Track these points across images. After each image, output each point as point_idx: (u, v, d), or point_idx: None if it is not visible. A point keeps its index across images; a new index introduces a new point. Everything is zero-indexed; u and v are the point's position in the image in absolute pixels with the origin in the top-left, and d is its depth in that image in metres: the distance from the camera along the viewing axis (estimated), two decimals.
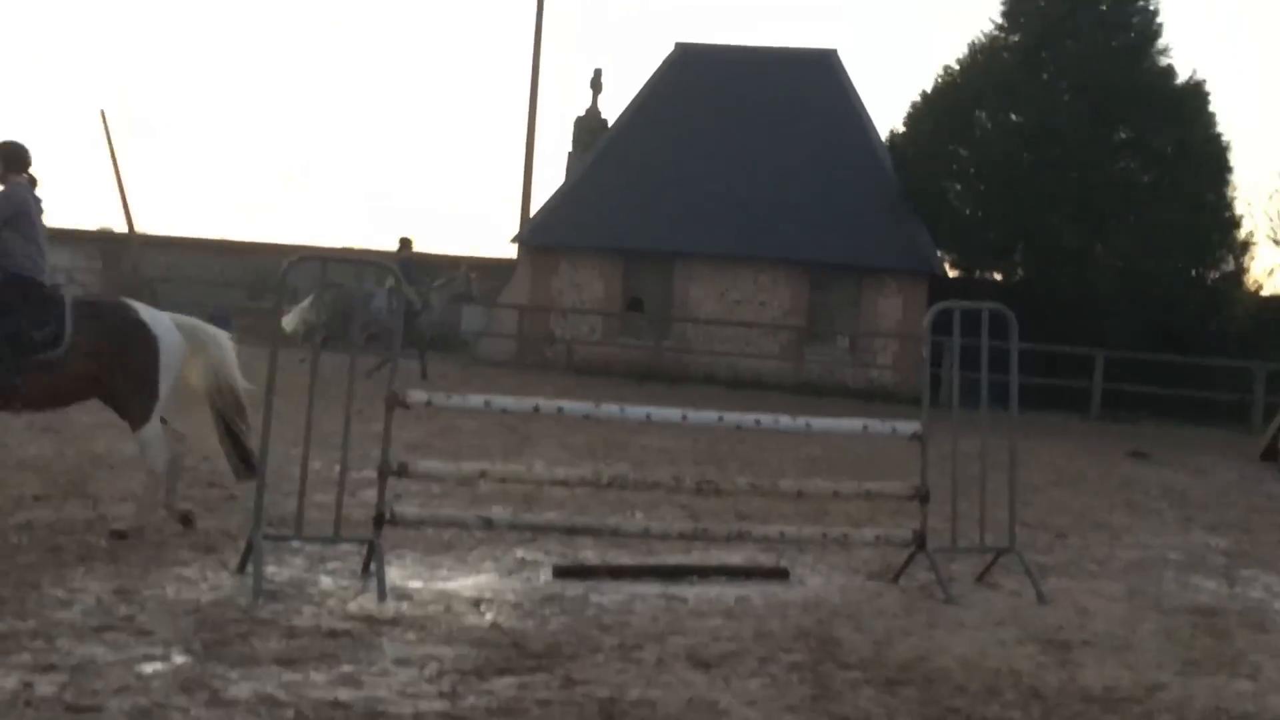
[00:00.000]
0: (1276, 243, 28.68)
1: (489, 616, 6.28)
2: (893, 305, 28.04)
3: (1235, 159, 28.82)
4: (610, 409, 7.40)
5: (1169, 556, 9.69)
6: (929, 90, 29.07)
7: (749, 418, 7.76)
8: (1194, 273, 27.76)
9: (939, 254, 29.04)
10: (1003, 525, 7.90)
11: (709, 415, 7.78)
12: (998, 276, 29.17)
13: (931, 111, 28.58)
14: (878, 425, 7.94)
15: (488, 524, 7.27)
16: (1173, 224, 26.64)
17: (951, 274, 29.33)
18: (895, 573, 7.81)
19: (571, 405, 7.44)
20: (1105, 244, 27.61)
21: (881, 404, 22.54)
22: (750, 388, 25.62)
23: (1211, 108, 28.11)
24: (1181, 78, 28.12)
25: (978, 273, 29.40)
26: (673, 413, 7.77)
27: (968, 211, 28.55)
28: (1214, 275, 28.00)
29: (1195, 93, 28.01)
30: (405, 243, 22.96)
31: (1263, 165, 48.20)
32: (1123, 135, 28.12)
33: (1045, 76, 28.08)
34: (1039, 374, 24.75)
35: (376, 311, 21.30)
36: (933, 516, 7.81)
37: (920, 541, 7.61)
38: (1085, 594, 7.88)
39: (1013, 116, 28.40)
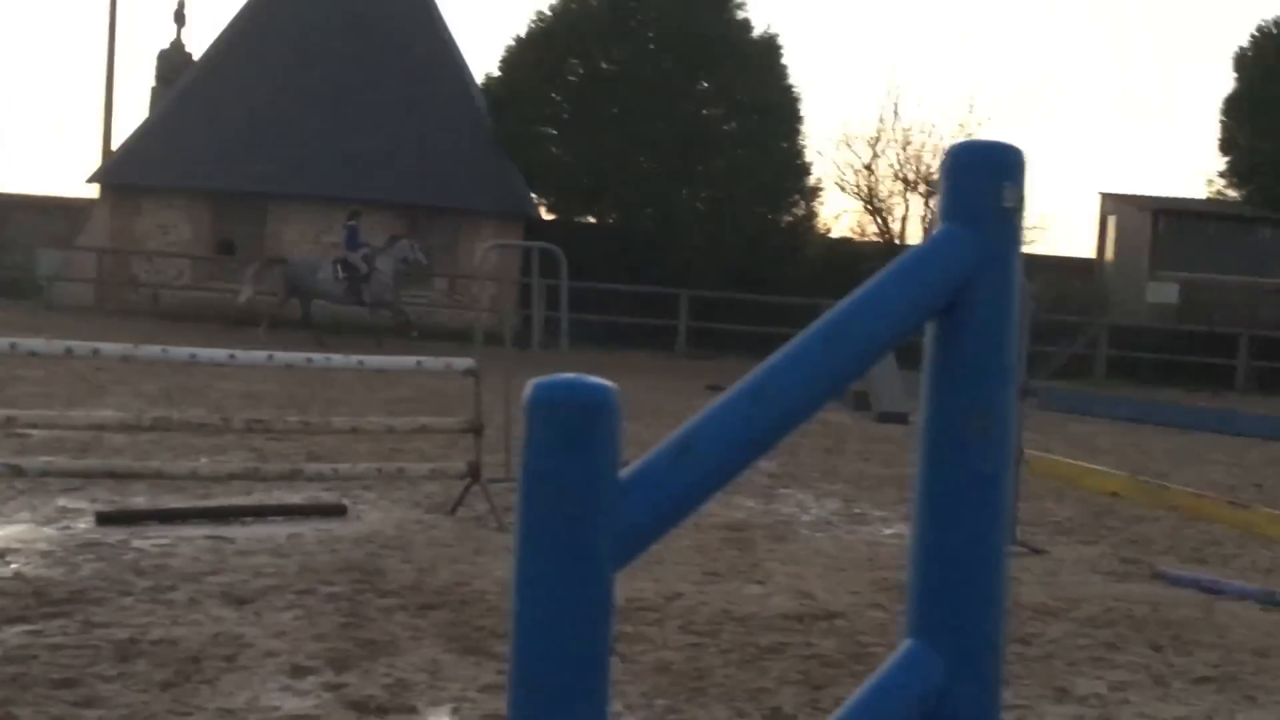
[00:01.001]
0: (842, 189, 30.88)
1: (14, 566, 6.03)
2: None
3: (805, 110, 30.77)
4: (151, 350, 7.20)
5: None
6: (523, 35, 29.45)
7: (299, 356, 7.75)
8: (770, 216, 29.52)
9: (535, 198, 29.60)
10: None
11: (258, 355, 7.70)
12: (591, 219, 30.04)
13: (526, 57, 28.97)
14: (431, 362, 8.10)
15: (18, 471, 6.94)
16: (751, 170, 28.19)
17: (548, 217, 29.96)
18: (452, 505, 8.02)
19: (109, 347, 7.19)
20: (690, 189, 28.93)
21: (480, 345, 22.81)
22: (352, 332, 25.33)
23: (784, 61, 29.90)
24: (758, 31, 29.72)
25: (573, 216, 30.19)
26: (219, 353, 7.64)
27: (562, 156, 29.19)
28: (788, 219, 29.89)
29: (770, 45, 29.67)
30: (354, 213, 23.51)
31: (829, 116, 51.54)
32: (705, 84, 29.45)
33: (633, 25, 28.98)
34: (630, 314, 25.78)
35: (323, 281, 22.19)
36: (491, 450, 8.07)
37: (474, 473, 7.85)
38: None
39: (603, 64, 29.20)
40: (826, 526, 8.58)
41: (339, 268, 22.77)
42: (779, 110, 29.24)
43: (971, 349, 1.47)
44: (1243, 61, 31.43)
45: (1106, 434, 16.30)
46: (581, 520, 1.22)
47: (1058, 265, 32.93)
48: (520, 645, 1.22)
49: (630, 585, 6.39)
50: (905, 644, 1.51)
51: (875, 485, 10.73)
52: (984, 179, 1.47)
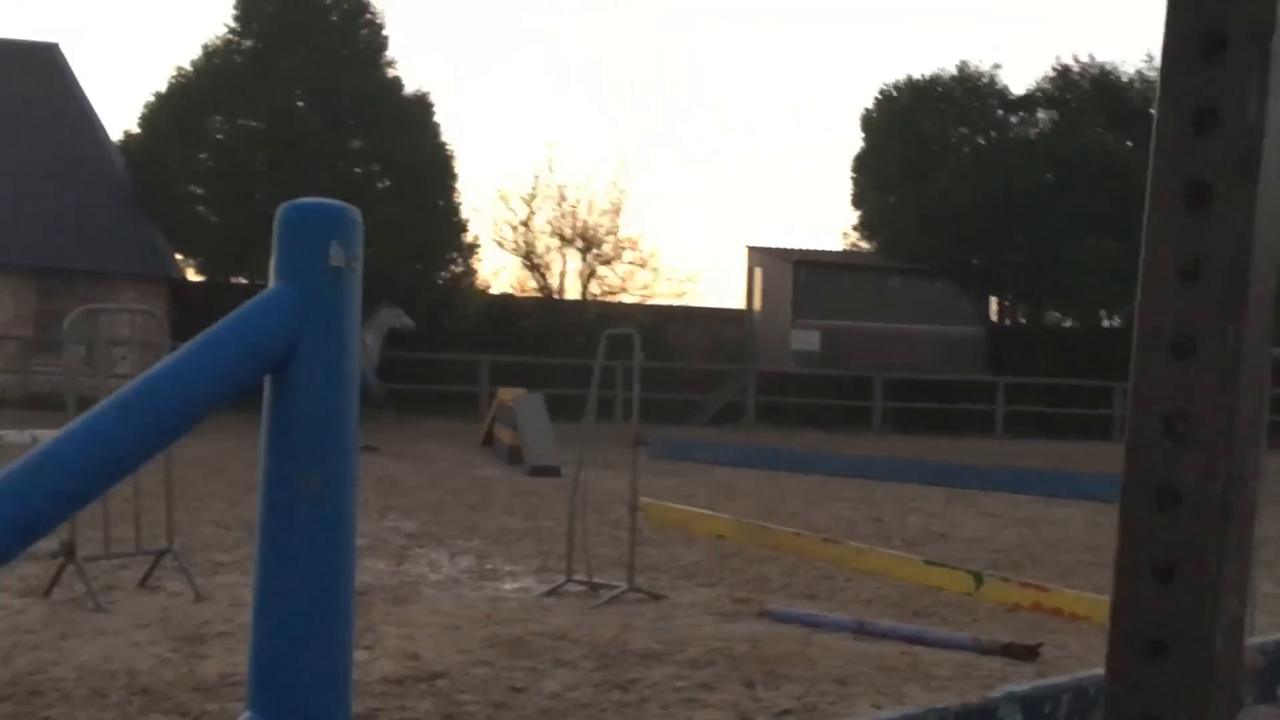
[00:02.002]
0: (501, 245, 31.14)
1: None
2: None
3: (460, 167, 30.93)
4: None
5: (356, 543, 10.14)
6: (163, 90, 28.39)
7: None
8: (427, 274, 29.42)
9: (182, 258, 28.48)
10: (181, 527, 7.88)
11: None
12: (243, 280, 29.15)
13: (166, 114, 27.93)
14: (47, 433, 7.59)
15: None
16: (407, 228, 28.03)
17: (196, 278, 28.88)
18: (46, 586, 7.52)
19: None
20: None
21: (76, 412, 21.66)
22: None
23: (436, 119, 29.97)
24: (409, 89, 29.69)
25: (223, 277, 29.21)
26: None
27: (208, 215, 28.25)
28: (445, 275, 29.87)
29: (421, 103, 29.68)
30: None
31: (485, 174, 52.17)
32: (357, 143, 29.15)
33: (278, 82, 28.41)
34: None
35: None
36: (89, 525, 7.63)
37: (69, 551, 7.38)
38: (249, 589, 8.04)
39: (251, 122, 28.47)
40: (453, 585, 8.51)
41: None
42: (433, 168, 29.26)
43: (303, 408, 1.44)
44: (868, 122, 33.67)
45: (749, 479, 16.93)
46: None
47: (712, 316, 34.21)
48: None
49: (226, 659, 6.14)
50: (243, 717, 1.46)
51: (514, 539, 10.75)
52: (311, 238, 1.45)
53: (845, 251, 35.23)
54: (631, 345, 8.43)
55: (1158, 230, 0.89)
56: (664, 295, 32.12)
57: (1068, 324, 33.15)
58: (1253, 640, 3.01)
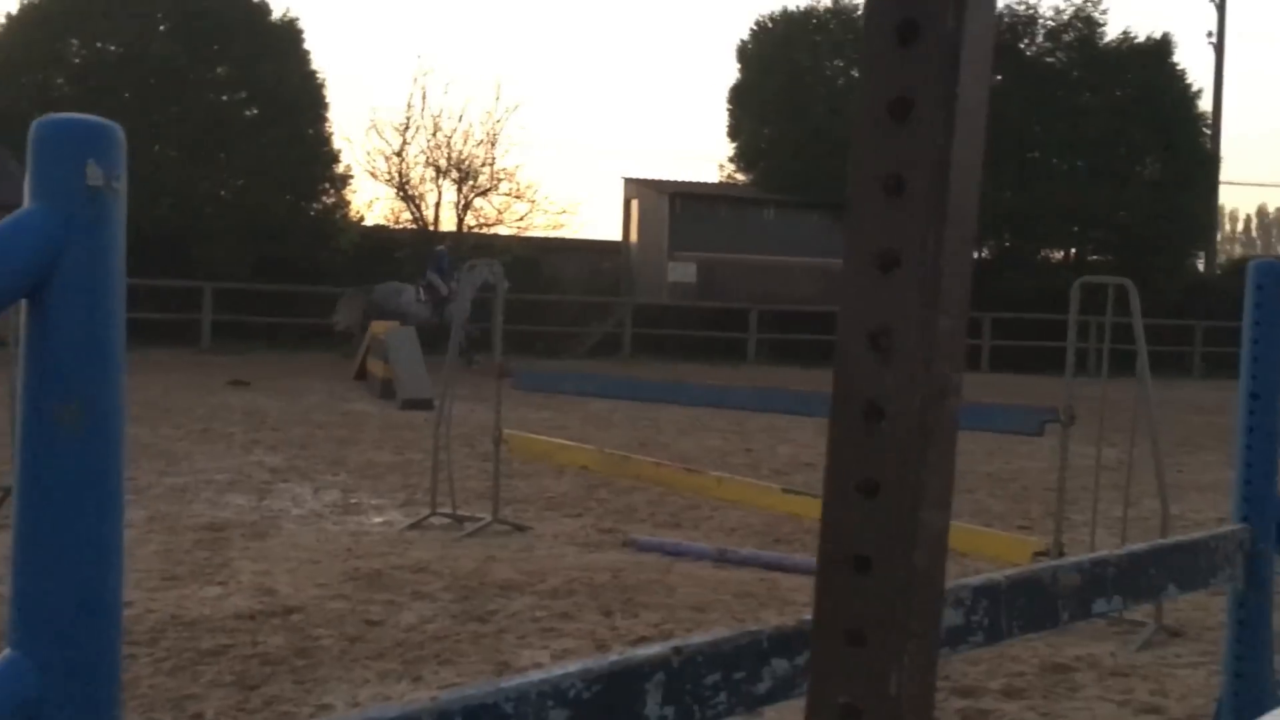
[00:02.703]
0: (374, 176, 30.57)
1: None
2: None
3: (331, 96, 30.26)
4: None
5: (215, 478, 9.99)
6: (14, 13, 27.29)
7: None
8: (299, 205, 28.83)
9: None
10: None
11: None
12: None
13: (18, 37, 26.85)
14: None
15: None
16: (276, 158, 27.41)
17: None
18: None
19: None
20: (212, 178, 27.79)
21: None
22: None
23: (306, 46, 29.24)
24: (276, 15, 28.88)
25: None
26: None
27: None
28: (317, 207, 29.30)
29: (289, 29, 28.92)
30: (441, 237, 24.21)
31: (358, 103, 51.24)
32: (222, 70, 28.34)
33: (137, 5, 27.45)
34: (151, 309, 24.46)
35: (406, 303, 22.86)
36: None
37: None
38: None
39: (110, 46, 27.51)
40: (314, 520, 8.41)
41: (421, 290, 23.70)
42: (303, 96, 28.58)
43: (63, 334, 1.38)
44: (744, 53, 33.65)
45: (623, 410, 16.98)
46: None
47: (589, 248, 34.08)
48: None
49: None
50: (3, 654, 1.40)
51: (381, 473, 10.66)
52: (67, 155, 1.38)
53: (722, 183, 35.29)
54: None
55: (863, 145, 0.88)
56: (541, 227, 31.88)
57: None
58: (1069, 558, 3.09)
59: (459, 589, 6.38)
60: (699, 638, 1.83)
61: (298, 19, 29.07)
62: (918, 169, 0.84)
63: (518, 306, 28.46)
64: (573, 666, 1.64)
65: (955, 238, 0.84)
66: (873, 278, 0.87)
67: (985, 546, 6.58)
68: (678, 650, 1.79)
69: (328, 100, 29.33)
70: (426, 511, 8.43)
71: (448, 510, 8.31)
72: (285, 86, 27.99)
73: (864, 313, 0.87)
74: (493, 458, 8.40)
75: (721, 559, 7.14)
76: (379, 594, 6.23)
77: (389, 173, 30.34)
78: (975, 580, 2.38)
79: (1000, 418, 7.55)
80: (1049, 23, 33.38)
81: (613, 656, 1.75)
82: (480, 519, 8.11)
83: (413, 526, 8.18)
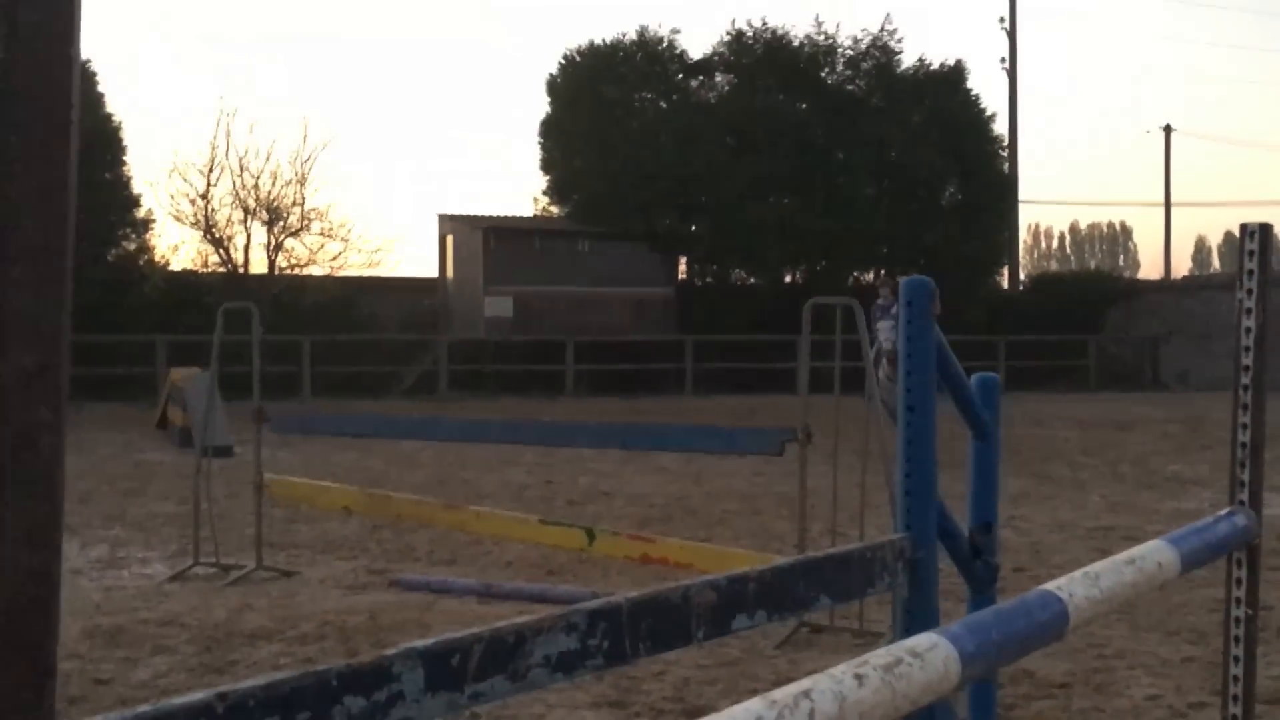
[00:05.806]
0: (179, 220, 29.81)
1: None
2: None
3: (131, 139, 29.45)
4: None
5: None
6: None
7: None
8: (97, 253, 27.92)
9: None
10: None
11: None
12: None
13: None
14: None
15: None
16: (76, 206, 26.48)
17: None
18: None
19: None
20: None
21: None
22: None
23: (100, 89, 28.41)
24: None
25: None
26: None
27: None
28: (116, 253, 28.42)
29: (84, 73, 28.04)
30: (886, 283, 18.22)
31: (161, 146, 50.09)
32: None
33: None
34: None
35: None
36: None
37: None
38: None
39: None
40: (71, 578, 8.05)
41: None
42: (99, 140, 27.73)
43: None
44: (554, 87, 33.79)
45: (431, 450, 16.77)
46: None
47: (407, 286, 33.74)
48: None
49: None
50: None
51: (161, 524, 10.33)
52: None
53: (536, 217, 35.32)
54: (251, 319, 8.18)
55: None
56: (356, 266, 31.44)
57: (753, 281, 34.20)
58: (706, 577, 3.10)
59: (204, 640, 6.18)
60: (250, 681, 1.76)
61: (89, 60, 28.26)
62: None
63: (331, 347, 28.06)
64: None
65: (36, 277, 0.81)
66: None
67: (734, 564, 6.64)
68: (222, 696, 1.71)
69: (125, 144, 28.52)
70: (191, 562, 8.18)
71: (212, 560, 8.07)
72: (87, 131, 27.10)
73: None
74: (254, 504, 8.19)
75: (487, 594, 7.07)
76: (116, 650, 5.99)
77: (194, 216, 29.63)
78: (593, 604, 2.37)
79: (743, 440, 7.65)
80: (848, 51, 34.31)
81: (143, 708, 1.67)
82: (243, 567, 7.89)
83: (174, 578, 7.92)
